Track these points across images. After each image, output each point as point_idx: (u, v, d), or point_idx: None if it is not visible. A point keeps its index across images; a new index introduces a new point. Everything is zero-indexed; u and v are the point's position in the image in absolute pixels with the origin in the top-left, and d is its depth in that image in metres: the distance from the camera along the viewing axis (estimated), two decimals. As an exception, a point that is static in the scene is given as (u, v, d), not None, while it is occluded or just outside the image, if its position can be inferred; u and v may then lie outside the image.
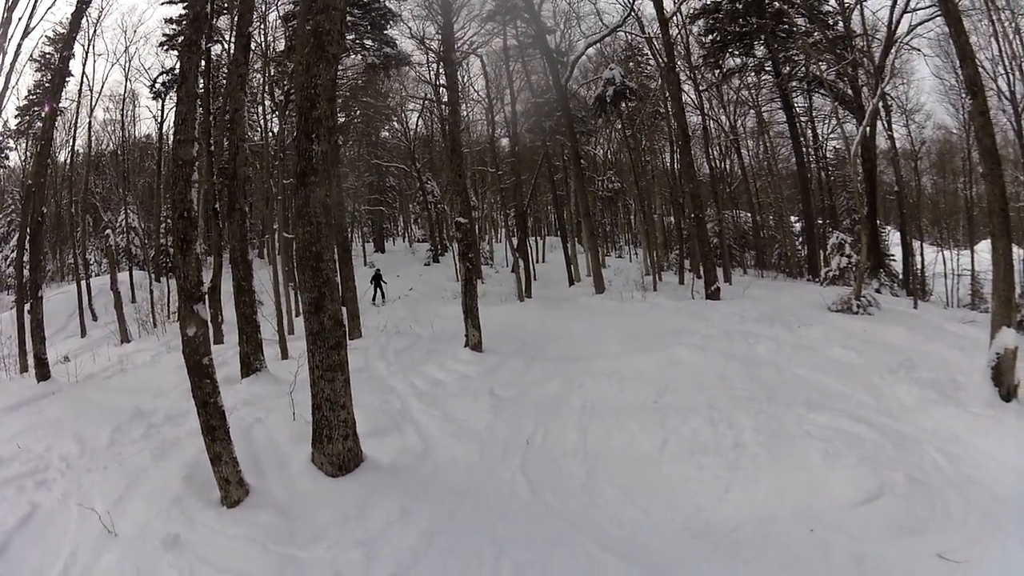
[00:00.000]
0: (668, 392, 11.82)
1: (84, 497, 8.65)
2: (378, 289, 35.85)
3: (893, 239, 44.72)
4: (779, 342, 14.91)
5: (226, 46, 32.89)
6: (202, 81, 21.92)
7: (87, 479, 9.33)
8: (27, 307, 18.77)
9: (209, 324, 8.26)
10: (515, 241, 38.35)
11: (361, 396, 9.57)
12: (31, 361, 18.24)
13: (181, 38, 44.07)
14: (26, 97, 47.28)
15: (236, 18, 18.13)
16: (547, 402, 12.03)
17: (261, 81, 33.74)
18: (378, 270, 37.23)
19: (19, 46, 22.68)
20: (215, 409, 8.01)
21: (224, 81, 32.99)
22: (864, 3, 33.72)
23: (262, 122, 36.66)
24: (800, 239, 44.00)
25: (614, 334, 17.67)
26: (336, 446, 8.87)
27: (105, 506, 8.22)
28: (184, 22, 43.24)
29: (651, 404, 11.35)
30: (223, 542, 7.49)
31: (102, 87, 58.80)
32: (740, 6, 37.21)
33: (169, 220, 47.37)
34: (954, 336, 15.87)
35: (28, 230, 19.20)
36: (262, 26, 28.60)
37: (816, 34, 34.85)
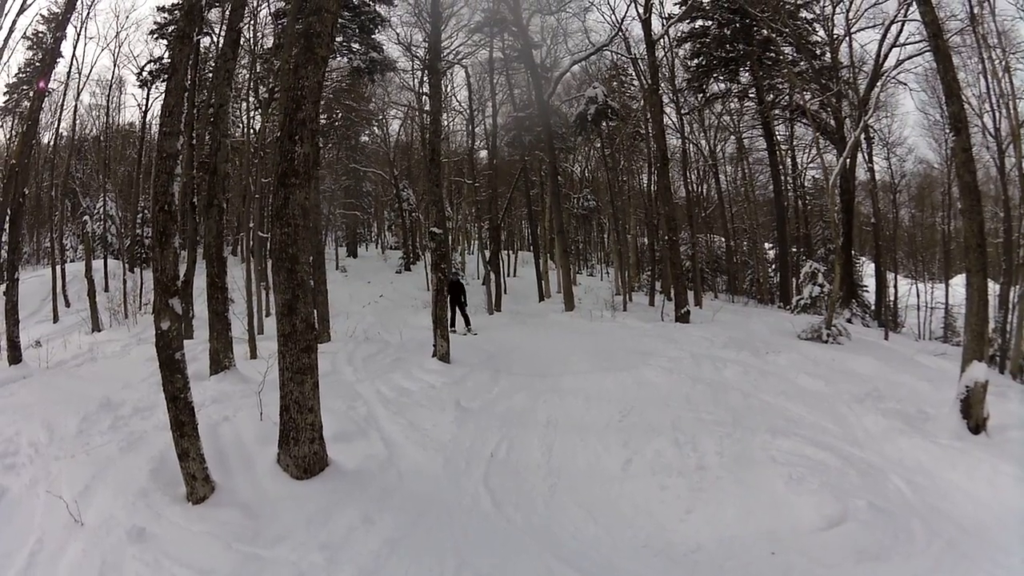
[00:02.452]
0: (633, 412, 11.88)
1: (52, 484, 8.67)
2: (458, 308, 24.15)
3: (867, 270, 45.22)
4: (746, 367, 14.99)
5: (215, 39, 32.88)
6: (189, 73, 21.85)
7: (55, 466, 9.33)
8: (1, 289, 18.69)
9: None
10: (487, 254, 38.37)
11: (328, 400, 9.63)
12: (3, 343, 18.17)
13: (172, 28, 44.13)
14: (16, 75, 47.07)
15: (228, 12, 18.11)
16: (512, 416, 12.07)
17: (247, 77, 33.62)
18: (457, 274, 26.80)
19: (14, 23, 22.67)
20: (185, 405, 8.04)
21: (210, 74, 32.97)
22: (853, 35, 33.98)
23: (245, 118, 36.51)
24: (773, 266, 44.37)
25: (582, 352, 17.74)
26: (302, 449, 8.90)
27: (72, 495, 8.23)
28: (177, 12, 43.30)
29: (616, 423, 11.40)
30: (188, 537, 7.51)
31: (90, 71, 58.55)
32: (728, 32, 37.68)
33: (147, 211, 47.33)
34: (924, 368, 16.03)
35: (8, 211, 19.10)
36: (252, 22, 28.56)
37: (802, 64, 35.10)
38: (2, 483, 8.81)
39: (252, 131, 35.83)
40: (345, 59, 35.98)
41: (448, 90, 43.85)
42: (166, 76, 46.40)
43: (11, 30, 22.94)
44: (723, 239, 47.57)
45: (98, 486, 8.67)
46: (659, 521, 8.18)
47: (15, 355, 16.92)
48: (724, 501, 8.49)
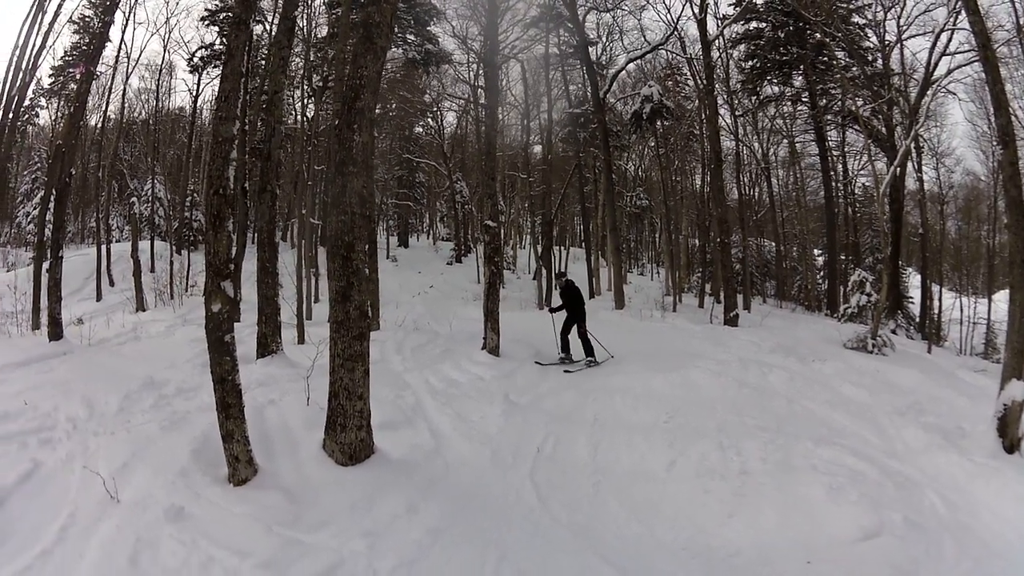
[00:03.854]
0: (680, 414, 11.84)
1: (89, 460, 8.66)
2: (577, 326, 17.93)
3: (913, 281, 44.56)
4: (792, 374, 14.92)
5: (267, 27, 33.01)
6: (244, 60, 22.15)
7: (93, 442, 9.33)
8: (45, 266, 18.80)
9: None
10: (539, 249, 38.26)
11: (376, 389, 9.56)
12: (44, 320, 18.24)
13: (224, 14, 44.55)
14: (62, 58, 47.49)
15: (282, 0, 18.16)
16: (560, 412, 12.06)
17: (300, 65, 33.74)
18: (567, 281, 18.73)
19: (60, 6, 22.79)
20: (232, 387, 8.04)
21: (262, 62, 33.15)
22: (904, 42, 33.70)
23: (298, 106, 36.68)
24: (822, 273, 43.96)
25: (630, 351, 17.85)
26: (349, 435, 8.89)
27: (110, 471, 8.20)
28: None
29: (662, 424, 11.36)
30: (227, 519, 7.48)
31: (139, 55, 59.09)
32: (782, 35, 37.26)
33: (196, 194, 47.81)
34: (964, 384, 15.82)
35: (54, 190, 19.22)
36: (305, 10, 28.62)
37: (855, 69, 34.70)
38: (37, 457, 8.79)
39: (305, 119, 35.99)
40: (400, 50, 36.04)
41: (504, 84, 43.67)
42: (218, 62, 47.17)
43: (57, 13, 23.09)
44: (773, 243, 47.23)
45: (137, 464, 8.68)
46: (700, 524, 8.12)
47: (56, 331, 16.92)
48: (764, 507, 8.41)
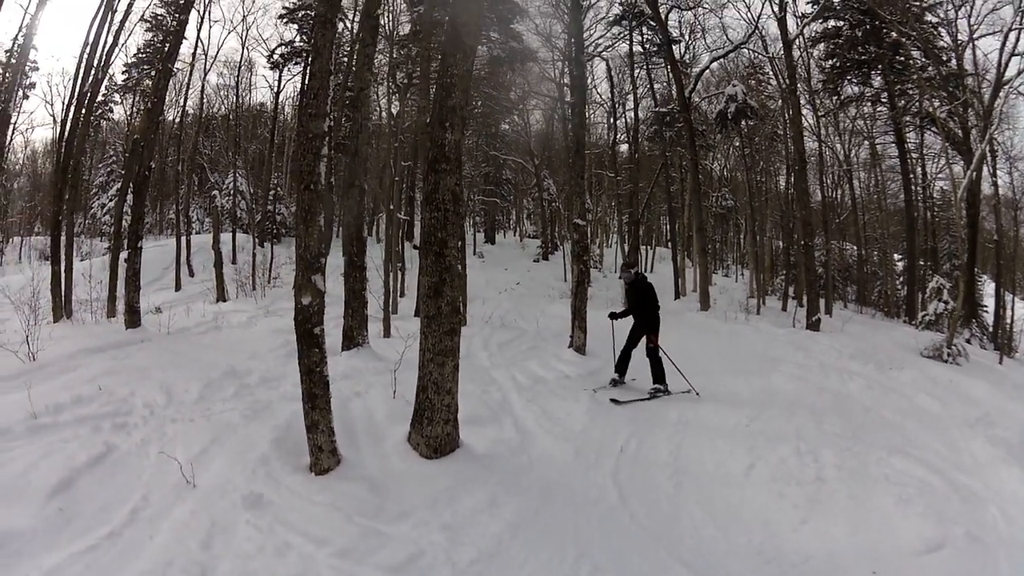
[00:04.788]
0: (761, 418, 11.90)
1: (166, 446, 8.75)
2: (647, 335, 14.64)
3: (987, 289, 43.93)
4: (870, 381, 14.93)
5: (348, 24, 33.30)
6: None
7: (171, 428, 9.43)
8: (123, 256, 19.12)
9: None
10: (626, 248, 38.22)
11: (463, 384, 9.61)
12: (120, 308, 18.56)
13: (302, 12, 45.23)
14: (135, 55, 48.87)
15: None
16: (643, 413, 12.10)
17: (383, 62, 34.07)
18: (635, 271, 15.72)
19: (130, 5, 23.46)
20: (320, 378, 8.17)
21: (344, 59, 33.49)
22: (975, 42, 33.13)
23: (382, 102, 36.99)
24: (901, 279, 43.44)
25: (715, 353, 17.97)
26: (436, 429, 8.99)
27: (187, 457, 8.28)
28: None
29: (743, 427, 11.42)
30: (307, 507, 7.54)
31: (217, 52, 60.05)
32: (859, 33, 36.88)
33: (279, 188, 48.61)
34: (1034, 397, 15.62)
35: (133, 182, 19.60)
36: (387, 9, 28.83)
37: (930, 69, 34.26)
38: (110, 440, 8.86)
39: (390, 115, 36.34)
40: (484, 47, 36.13)
41: (589, 82, 43.55)
42: (298, 59, 47.95)
43: (127, 12, 23.65)
44: (855, 247, 46.83)
45: (216, 451, 8.79)
46: (774, 529, 8.11)
47: (133, 319, 17.30)
48: (837, 515, 8.40)
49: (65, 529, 6.88)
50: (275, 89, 52.35)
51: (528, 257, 52.67)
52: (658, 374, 13.88)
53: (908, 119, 38.28)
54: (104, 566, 6.33)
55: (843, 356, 17.92)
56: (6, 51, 39.78)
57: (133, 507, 7.33)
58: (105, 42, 22.26)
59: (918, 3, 35.54)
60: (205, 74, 44.90)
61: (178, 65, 32.85)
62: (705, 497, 8.81)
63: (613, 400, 12.91)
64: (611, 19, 36.42)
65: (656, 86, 40.70)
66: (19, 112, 45.24)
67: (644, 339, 14.46)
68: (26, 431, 8.92)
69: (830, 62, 39.21)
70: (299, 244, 8.33)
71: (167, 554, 6.50)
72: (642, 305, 14.66)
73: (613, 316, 15.42)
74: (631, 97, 40.84)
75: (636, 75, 39.44)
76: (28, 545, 6.54)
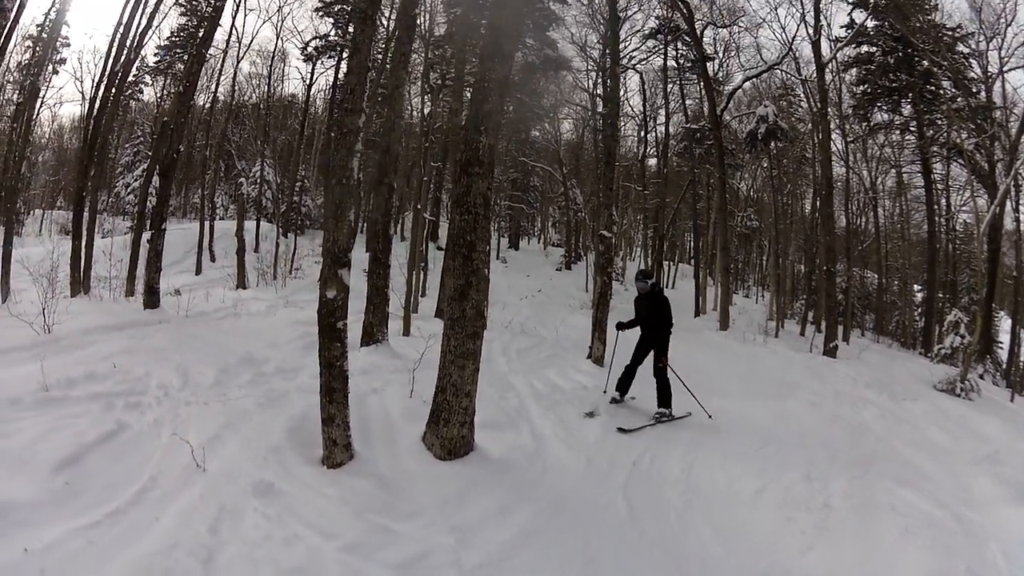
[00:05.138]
0: (773, 442, 11.90)
1: (179, 428, 8.78)
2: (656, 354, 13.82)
3: (1004, 325, 43.78)
4: (884, 412, 14.95)
5: (384, 22, 33.45)
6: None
7: (184, 411, 9.48)
8: (146, 236, 19.23)
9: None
10: (650, 262, 38.25)
11: (481, 388, 9.66)
12: (140, 288, 18.64)
13: (338, 7, 45.56)
14: (167, 38, 49.36)
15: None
16: (656, 429, 12.07)
17: (417, 62, 34.23)
18: (649, 281, 14.29)
19: None
20: (340, 372, 8.23)
21: (379, 56, 33.62)
22: (1005, 75, 33.27)
23: (415, 101, 37.19)
24: (919, 310, 43.34)
25: (733, 374, 18.02)
26: (452, 431, 9.02)
27: (199, 441, 8.28)
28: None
29: (755, 451, 11.40)
30: (317, 499, 7.57)
31: (251, 41, 60.81)
32: (891, 60, 36.83)
33: (306, 180, 48.91)
34: (1043, 437, 15.63)
35: (160, 164, 19.75)
36: (423, 9, 28.97)
37: (959, 100, 34.24)
38: (122, 419, 8.89)
39: (422, 114, 36.48)
40: (519, 53, 36.24)
41: (622, 94, 43.76)
42: (332, 52, 48.21)
43: None
44: (875, 276, 46.91)
45: (229, 436, 8.83)
46: (781, 552, 8.09)
47: (152, 300, 17.45)
48: (842, 544, 8.39)
49: (69, 503, 6.88)
50: (307, 81, 52.64)
51: (551, 265, 52.99)
52: (665, 397, 13.04)
53: (935, 149, 38.28)
54: (107, 543, 6.34)
55: (858, 384, 17.96)
56: (37, 25, 40.77)
57: (141, 487, 7.34)
58: (139, 24, 22.58)
59: (950, 33, 35.68)
60: (238, 62, 45.56)
61: (211, 51, 33.12)
62: (714, 516, 8.80)
63: (620, 429, 11.81)
64: (646, 32, 36.61)
65: (688, 102, 40.93)
66: (48, 86, 45.71)
67: (652, 356, 13.47)
68: (35, 403, 8.98)
69: (861, 87, 39.20)
70: (328, 237, 8.39)
71: (173, 536, 6.51)
72: (655, 319, 13.64)
73: (621, 326, 14.47)
74: (663, 111, 41.21)
75: (669, 90, 39.67)
76: (30, 516, 6.54)
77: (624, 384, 13.55)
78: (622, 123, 46.41)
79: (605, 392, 13.95)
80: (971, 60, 35.88)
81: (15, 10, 14.56)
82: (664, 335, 13.44)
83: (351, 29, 43.91)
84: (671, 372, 13.17)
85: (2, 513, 6.45)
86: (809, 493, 9.74)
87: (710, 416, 12.76)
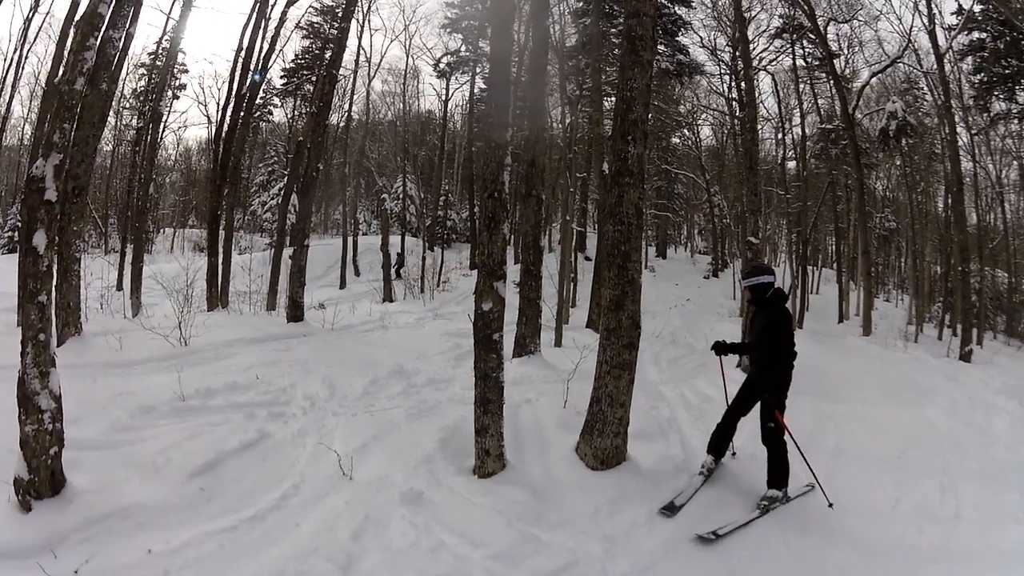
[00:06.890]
0: (911, 450, 11.71)
1: (324, 437, 9.22)
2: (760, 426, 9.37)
3: None
4: (1014, 418, 14.48)
5: (516, 36, 33.89)
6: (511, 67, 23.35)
7: (331, 421, 9.93)
8: (287, 252, 19.82)
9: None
10: (795, 267, 38.02)
11: (633, 397, 9.66)
12: (281, 301, 19.21)
13: (466, 23, 46.18)
14: (292, 60, 50.72)
15: (532, 12, 18.69)
16: (800, 437, 11.98)
17: (552, 74, 34.52)
18: (763, 276, 9.53)
19: (284, 13, 25.56)
20: (495, 383, 8.44)
21: (512, 70, 34.11)
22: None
23: (554, 112, 37.55)
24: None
25: (873, 380, 17.69)
26: (605, 441, 9.10)
27: (346, 451, 8.65)
28: (467, 8, 45.16)
29: (894, 459, 11.23)
30: (466, 508, 7.76)
31: (380, 60, 62.03)
32: (1001, 46, 35.78)
33: (450, 195, 49.87)
34: None
35: (298, 183, 20.60)
36: (552, 21, 29.22)
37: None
38: (264, 428, 9.30)
39: (562, 126, 36.80)
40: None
41: (756, 96, 43.50)
42: (465, 68, 49.33)
43: (282, 20, 25.61)
44: (1006, 275, 45.55)
45: (377, 446, 9.19)
46: (909, 565, 8.00)
47: (296, 313, 18.00)
48: (965, 557, 8.23)
49: (203, 508, 7.33)
50: (443, 97, 54.04)
51: (698, 273, 53.19)
52: (779, 472, 8.87)
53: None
54: (240, 547, 6.71)
55: (990, 389, 17.52)
56: (150, 54, 42.48)
57: (283, 493, 7.79)
58: (260, 48, 23.51)
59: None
60: (370, 80, 46.70)
61: (341, 72, 33.96)
62: (852, 527, 8.64)
63: (704, 536, 7.67)
64: (772, 32, 36.28)
65: (820, 101, 40.32)
66: (170, 111, 48.58)
67: (760, 407, 9.22)
68: (171, 411, 9.55)
69: (978, 76, 38.14)
70: (482, 251, 8.60)
71: (313, 541, 6.83)
72: (766, 347, 9.08)
73: (721, 349, 10.28)
74: (797, 112, 40.68)
75: (800, 90, 39.24)
76: (158, 519, 6.95)
77: (719, 443, 9.54)
78: (759, 126, 46.07)
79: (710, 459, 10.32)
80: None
81: (122, 40, 15.15)
82: (779, 375, 9.09)
83: (481, 44, 44.89)
84: (790, 436, 9.04)
85: (126, 515, 6.91)
86: (942, 503, 9.63)
87: (831, 505, 8.77)
